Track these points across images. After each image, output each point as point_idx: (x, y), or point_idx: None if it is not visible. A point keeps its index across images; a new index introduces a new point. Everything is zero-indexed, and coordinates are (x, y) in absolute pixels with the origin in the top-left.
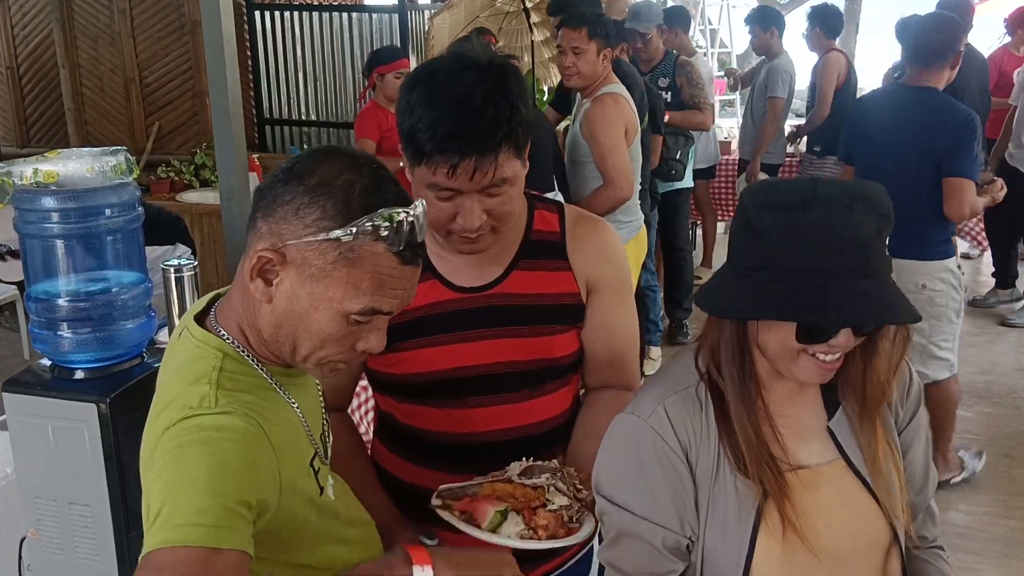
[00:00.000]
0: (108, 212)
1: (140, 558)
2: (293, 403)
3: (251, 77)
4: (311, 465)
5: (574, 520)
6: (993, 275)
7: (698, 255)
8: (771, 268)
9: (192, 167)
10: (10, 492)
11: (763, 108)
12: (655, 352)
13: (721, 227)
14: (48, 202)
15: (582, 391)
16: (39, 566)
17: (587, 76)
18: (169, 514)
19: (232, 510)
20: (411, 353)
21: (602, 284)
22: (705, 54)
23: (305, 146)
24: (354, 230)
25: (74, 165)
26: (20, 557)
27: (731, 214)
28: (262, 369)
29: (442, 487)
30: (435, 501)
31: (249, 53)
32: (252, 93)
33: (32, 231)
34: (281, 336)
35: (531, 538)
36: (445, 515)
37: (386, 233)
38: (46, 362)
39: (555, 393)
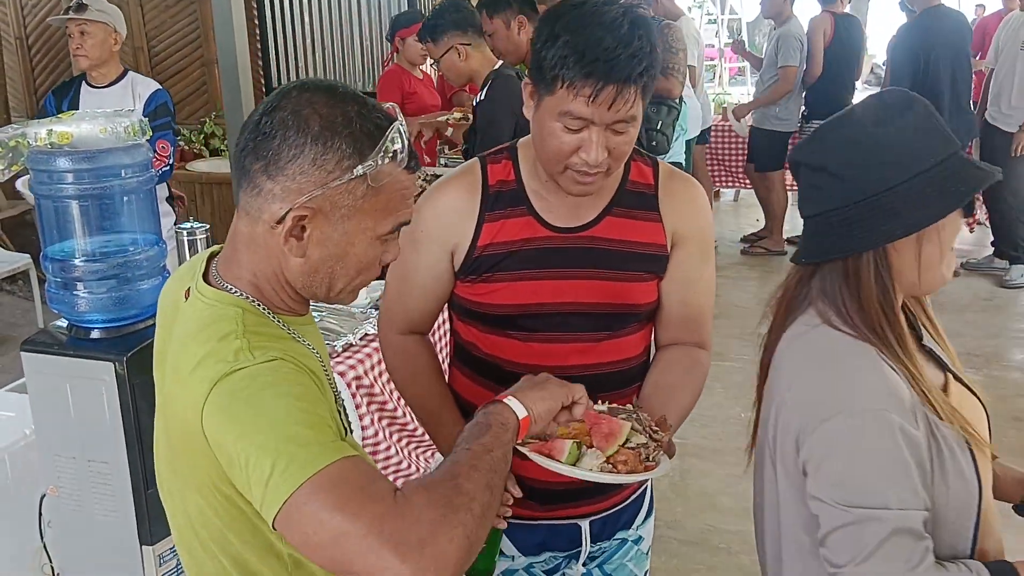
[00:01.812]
0: (122, 173)
1: (278, 515)
2: (313, 349)
3: (259, 45)
4: (336, 405)
5: (650, 459)
6: (992, 244)
7: None
8: (927, 166)
9: (201, 136)
10: (30, 451)
11: (773, 77)
12: None
13: (729, 194)
14: (62, 163)
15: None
16: (59, 522)
17: (510, 52)
18: (287, 464)
19: (324, 425)
20: (502, 284)
21: (687, 239)
22: (714, 20)
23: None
24: (376, 161)
25: (88, 126)
26: (40, 513)
27: (742, 181)
28: (277, 320)
29: None
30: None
31: (257, 21)
32: (260, 61)
33: (47, 192)
34: (316, 281)
35: (610, 472)
36: (524, 449)
37: (397, 152)
38: (63, 323)
39: (630, 337)
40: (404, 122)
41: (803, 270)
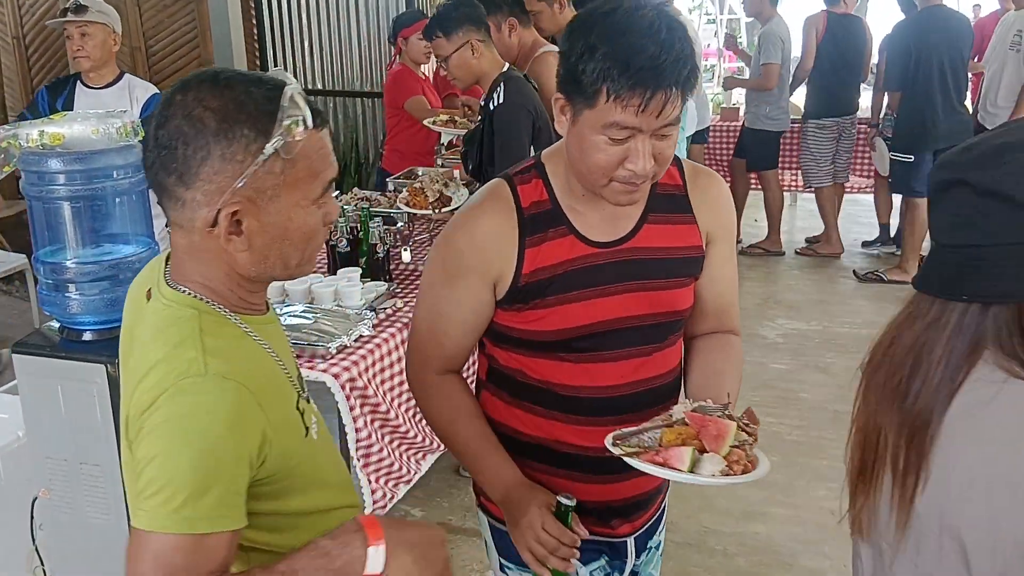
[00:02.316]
0: (114, 174)
1: (134, 529)
2: (268, 348)
3: (256, 46)
4: (297, 408)
5: (749, 455)
6: None
7: None
8: None
9: None
10: (22, 453)
11: (758, 75)
12: None
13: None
14: (54, 164)
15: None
16: (51, 525)
17: (500, 54)
18: (166, 499)
19: (225, 490)
20: (551, 310)
21: (719, 236)
22: (712, 21)
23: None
24: (280, 135)
25: (80, 127)
26: (32, 516)
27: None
28: (236, 319)
29: (615, 433)
30: (616, 451)
31: (255, 22)
32: (258, 62)
33: (38, 193)
34: (270, 264)
35: (728, 474)
36: (634, 462)
37: (298, 117)
38: (55, 324)
39: (675, 345)
40: (294, 84)
41: (958, 309)
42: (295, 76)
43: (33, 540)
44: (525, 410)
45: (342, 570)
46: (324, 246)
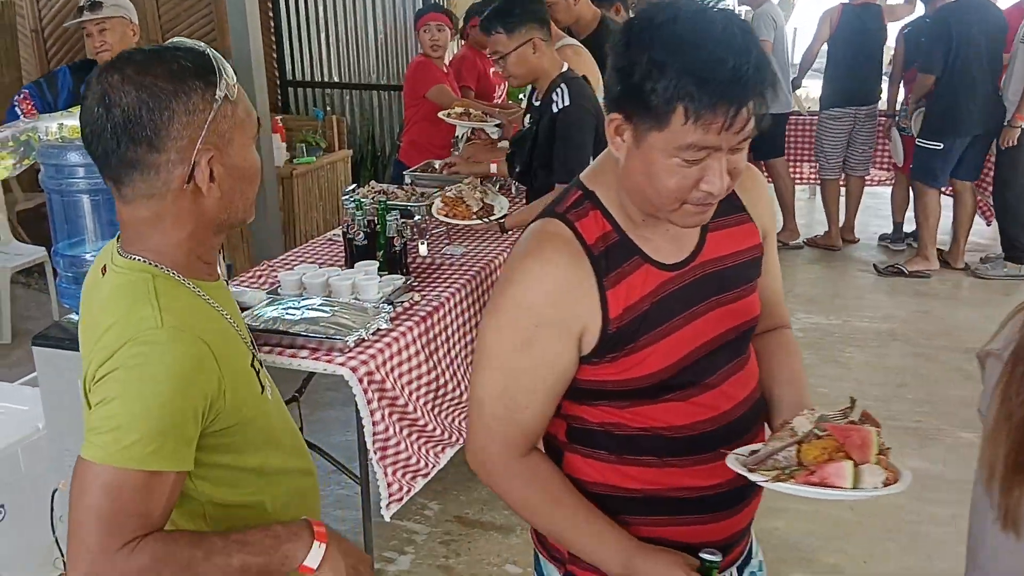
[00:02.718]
0: None
1: (83, 460)
2: (220, 309)
3: (274, 39)
4: (252, 366)
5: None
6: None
7: None
8: None
9: None
10: (42, 445)
11: None
12: None
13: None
14: (73, 157)
15: None
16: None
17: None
18: (120, 435)
19: (175, 430)
20: (648, 350)
21: (769, 227)
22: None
23: (328, 108)
24: (225, 80)
25: None
26: (52, 508)
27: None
28: (187, 283)
29: (743, 461)
30: (756, 478)
31: (272, 15)
32: (275, 55)
33: (57, 186)
34: (233, 206)
35: (885, 484)
36: (787, 487)
37: (224, 63)
38: (74, 317)
39: (752, 352)
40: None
41: None
42: (312, 69)
43: (53, 532)
44: (629, 463)
45: (285, 554)
46: (341, 238)
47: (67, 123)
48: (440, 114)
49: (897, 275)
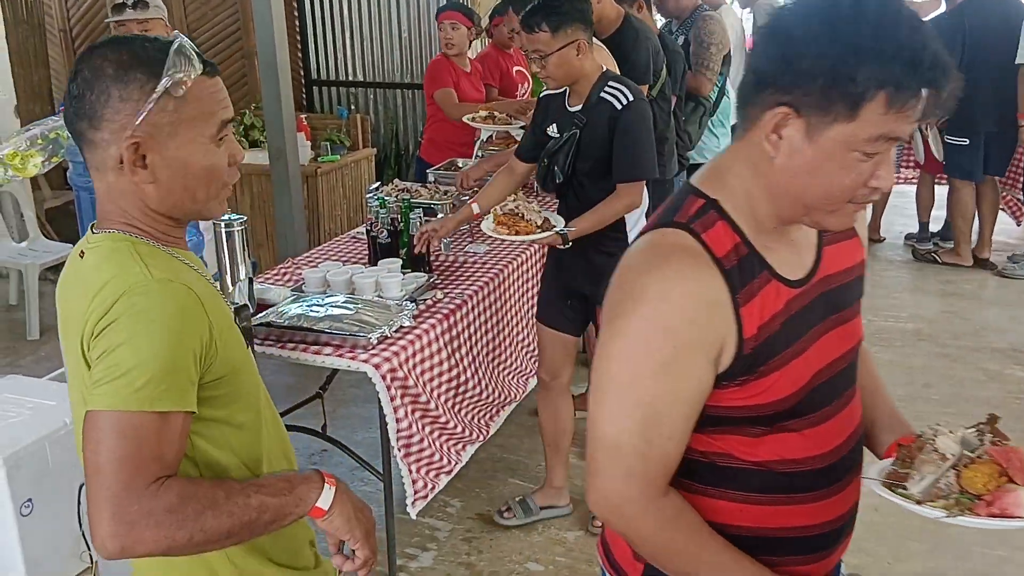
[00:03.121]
0: None
1: (91, 412)
2: (203, 273)
3: (298, 37)
4: (235, 323)
5: None
6: None
7: None
8: None
9: (241, 128)
10: (69, 440)
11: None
12: None
13: None
14: None
15: None
16: None
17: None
18: (131, 379)
19: (181, 371)
20: (780, 373)
21: (865, 237)
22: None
23: (352, 107)
24: (170, 75)
25: None
26: (79, 503)
27: None
28: (164, 248)
29: (901, 492)
30: (932, 512)
31: (296, 14)
32: (300, 54)
33: (86, 183)
34: (178, 198)
35: None
36: (970, 521)
37: (186, 61)
38: None
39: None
40: (185, 39)
41: None
42: (336, 67)
43: (80, 525)
44: (730, 499)
45: (299, 495)
46: (365, 236)
47: None
48: (465, 118)
49: (931, 262)
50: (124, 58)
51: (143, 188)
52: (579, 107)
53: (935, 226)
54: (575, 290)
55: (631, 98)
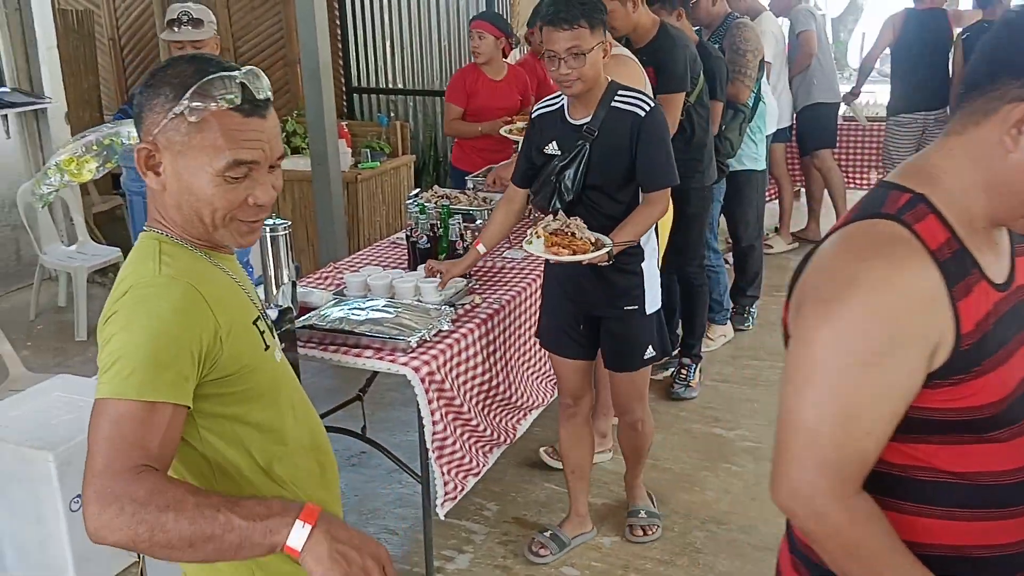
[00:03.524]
0: None
1: (95, 401)
2: (231, 274)
3: (340, 45)
4: (255, 324)
5: None
6: None
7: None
8: None
9: (283, 134)
10: None
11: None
12: (717, 331)
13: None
14: None
15: None
16: None
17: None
18: (119, 369)
19: (170, 366)
20: (992, 375)
21: None
22: None
23: (392, 114)
24: (188, 99)
25: None
26: None
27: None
28: (196, 250)
29: None
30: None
31: (339, 22)
32: (341, 61)
33: (137, 188)
34: (186, 214)
35: None
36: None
37: (217, 94)
38: None
39: None
40: (253, 76)
41: None
42: (376, 75)
43: None
44: (930, 515)
45: (269, 527)
46: (405, 241)
47: None
48: (502, 131)
49: None
50: (168, 72)
51: (158, 193)
52: (586, 119)
53: None
54: (589, 313)
55: (652, 104)
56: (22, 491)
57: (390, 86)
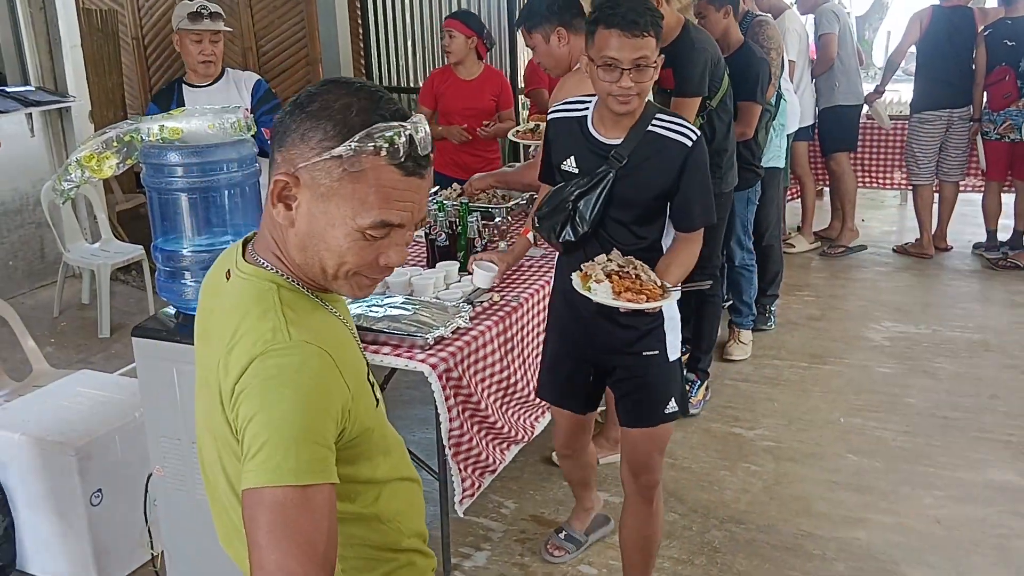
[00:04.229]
0: (228, 167)
1: (245, 490)
2: (344, 321)
3: (362, 45)
4: (368, 379)
5: None
6: None
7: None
8: None
9: None
10: (137, 433)
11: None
12: (746, 336)
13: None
14: (173, 157)
15: None
16: (164, 500)
17: (552, 66)
18: (269, 453)
19: (320, 444)
20: None
21: None
22: None
23: (412, 112)
24: (352, 145)
25: (197, 122)
26: (147, 492)
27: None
28: (309, 293)
29: None
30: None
31: (360, 22)
32: (363, 60)
33: (157, 185)
34: (308, 258)
35: None
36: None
37: (384, 146)
38: (171, 311)
39: None
40: (421, 130)
41: None
42: (398, 74)
43: (146, 516)
44: None
45: None
46: (424, 239)
47: (168, 125)
48: (510, 135)
49: (1013, 268)
50: (334, 104)
51: (283, 228)
52: (616, 139)
53: (1003, 235)
54: (597, 363)
55: (697, 133)
56: (43, 486)
57: (410, 85)
